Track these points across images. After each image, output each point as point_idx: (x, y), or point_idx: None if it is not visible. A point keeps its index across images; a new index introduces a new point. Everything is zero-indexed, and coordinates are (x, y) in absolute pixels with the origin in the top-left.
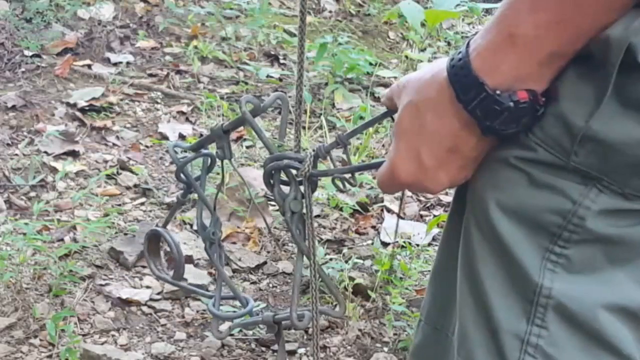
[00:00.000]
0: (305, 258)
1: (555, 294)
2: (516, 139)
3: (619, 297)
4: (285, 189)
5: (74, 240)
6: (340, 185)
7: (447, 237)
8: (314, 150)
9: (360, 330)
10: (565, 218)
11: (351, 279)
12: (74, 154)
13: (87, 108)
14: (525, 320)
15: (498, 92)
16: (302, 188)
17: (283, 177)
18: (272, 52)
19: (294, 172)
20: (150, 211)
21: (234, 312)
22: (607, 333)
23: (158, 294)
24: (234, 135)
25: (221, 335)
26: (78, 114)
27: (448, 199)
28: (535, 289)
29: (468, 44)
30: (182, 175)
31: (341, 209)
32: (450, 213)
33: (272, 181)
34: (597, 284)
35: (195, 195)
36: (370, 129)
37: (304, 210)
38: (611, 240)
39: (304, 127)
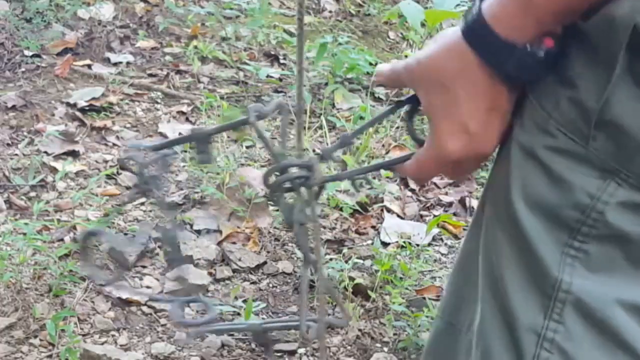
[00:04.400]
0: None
1: (575, 289)
2: (538, 125)
3: (637, 296)
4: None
5: (74, 240)
6: (358, 186)
7: (471, 234)
8: (317, 154)
9: (360, 330)
10: (584, 212)
11: (351, 279)
12: (74, 154)
13: (87, 108)
14: (542, 315)
15: (528, 46)
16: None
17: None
18: (272, 52)
19: (301, 179)
20: (150, 211)
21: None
22: (623, 331)
23: (158, 294)
24: (234, 135)
25: (191, 336)
26: (78, 114)
27: (448, 199)
28: (555, 283)
29: (479, 12)
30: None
31: (341, 209)
32: (477, 209)
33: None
34: (616, 282)
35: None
36: (370, 129)
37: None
38: (629, 238)
39: (303, 127)
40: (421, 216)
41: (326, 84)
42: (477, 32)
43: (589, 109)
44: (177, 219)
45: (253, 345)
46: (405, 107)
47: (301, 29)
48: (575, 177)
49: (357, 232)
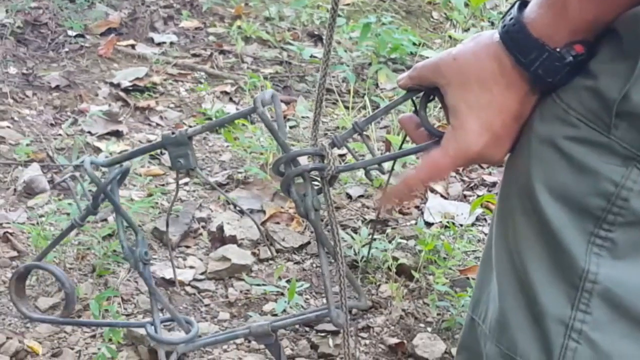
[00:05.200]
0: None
1: (601, 279)
2: (558, 116)
3: None
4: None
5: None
6: (372, 176)
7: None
8: (329, 140)
9: (403, 310)
10: (609, 200)
11: (395, 259)
12: (117, 134)
13: (130, 88)
14: (570, 306)
15: (558, 49)
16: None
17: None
18: (316, 32)
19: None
20: (194, 191)
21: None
22: None
23: (202, 274)
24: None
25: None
26: (121, 94)
27: (492, 179)
28: (581, 274)
29: (518, 17)
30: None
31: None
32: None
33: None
34: None
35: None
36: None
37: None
38: None
39: (347, 107)
40: (465, 196)
41: (370, 64)
42: (512, 31)
43: (610, 99)
44: (221, 199)
45: (296, 325)
46: (418, 96)
47: (333, 20)
48: (598, 165)
49: (400, 212)
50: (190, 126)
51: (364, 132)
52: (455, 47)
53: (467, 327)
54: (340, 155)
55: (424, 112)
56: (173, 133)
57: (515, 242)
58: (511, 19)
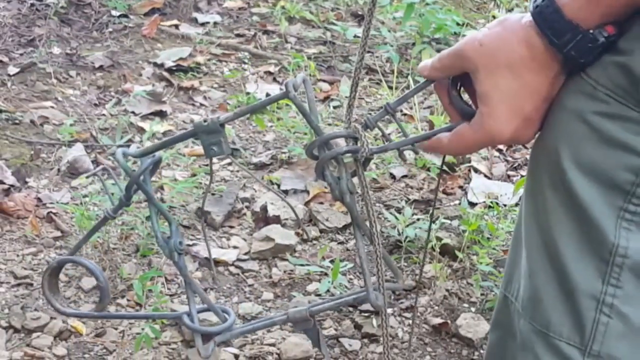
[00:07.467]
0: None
1: (631, 253)
2: (586, 92)
3: None
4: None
5: (162, 200)
6: (405, 156)
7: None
8: (362, 124)
9: (447, 290)
10: (638, 175)
11: (438, 239)
12: (161, 114)
13: (174, 68)
14: (600, 280)
15: (591, 31)
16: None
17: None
18: (359, 12)
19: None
20: (238, 171)
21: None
22: None
23: (245, 254)
24: (321, 95)
25: (207, 353)
26: (165, 74)
27: None
28: (612, 248)
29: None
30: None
31: (428, 169)
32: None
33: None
34: None
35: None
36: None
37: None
38: None
39: (390, 87)
40: (508, 176)
41: (413, 44)
42: (546, 13)
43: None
44: (265, 179)
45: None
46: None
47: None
48: (628, 140)
49: (444, 192)
50: (234, 107)
51: (397, 113)
52: (479, 31)
53: (499, 305)
54: (383, 136)
55: (455, 91)
56: (205, 121)
57: (545, 218)
58: (545, 5)
